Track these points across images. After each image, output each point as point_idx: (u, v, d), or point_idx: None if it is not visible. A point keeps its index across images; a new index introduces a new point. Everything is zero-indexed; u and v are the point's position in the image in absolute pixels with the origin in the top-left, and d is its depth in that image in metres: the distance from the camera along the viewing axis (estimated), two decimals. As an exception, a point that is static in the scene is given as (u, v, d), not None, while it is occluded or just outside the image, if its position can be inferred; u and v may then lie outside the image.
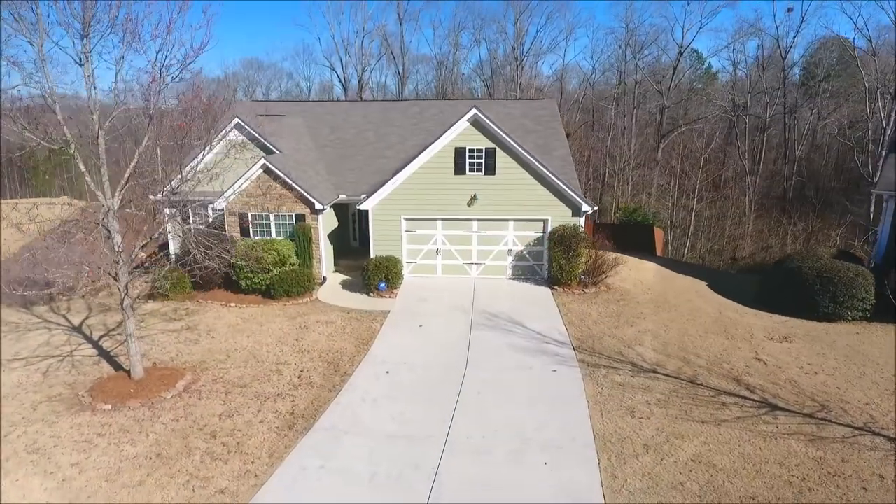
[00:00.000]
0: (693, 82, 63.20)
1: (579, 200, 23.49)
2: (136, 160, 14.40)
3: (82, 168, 14.14)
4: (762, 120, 54.53)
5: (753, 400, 14.66)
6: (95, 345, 18.67)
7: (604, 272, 23.36)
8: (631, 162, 52.90)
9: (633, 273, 25.81)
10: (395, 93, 64.17)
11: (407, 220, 24.06)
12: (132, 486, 11.31)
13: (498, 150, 23.31)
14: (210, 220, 25.25)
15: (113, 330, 19.86)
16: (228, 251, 22.61)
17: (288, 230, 24.37)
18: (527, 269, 24.44)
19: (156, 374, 15.95)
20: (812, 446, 12.56)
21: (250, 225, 24.44)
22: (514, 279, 24.30)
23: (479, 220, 23.98)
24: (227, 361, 17.06)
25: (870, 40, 51.05)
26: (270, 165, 23.33)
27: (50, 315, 22.07)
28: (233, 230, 24.31)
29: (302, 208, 24.16)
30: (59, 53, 13.55)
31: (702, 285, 25.34)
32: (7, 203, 28.14)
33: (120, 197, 14.55)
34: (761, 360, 17.10)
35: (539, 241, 24.09)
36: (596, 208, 25.32)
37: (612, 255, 24.76)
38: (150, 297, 23.53)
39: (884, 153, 47.17)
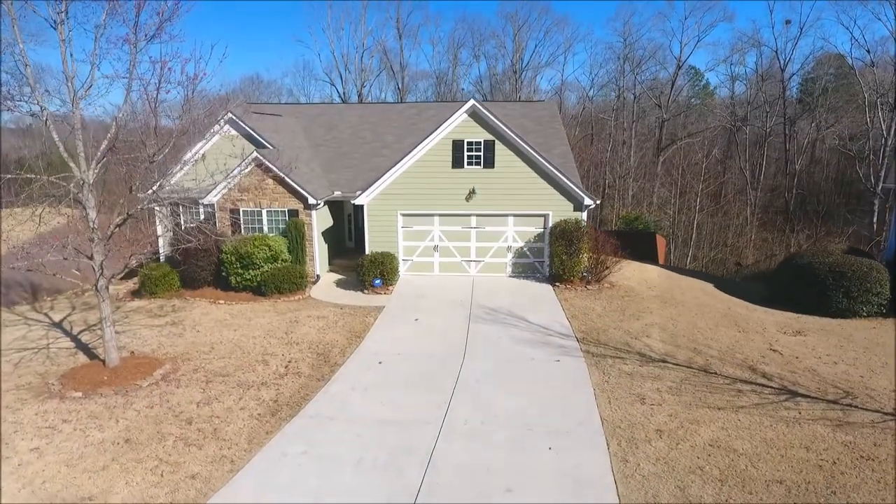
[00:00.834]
0: (691, 98, 62.71)
1: (581, 194, 22.48)
2: (114, 129, 13.45)
3: (55, 137, 13.17)
4: (762, 132, 53.86)
5: (772, 387, 13.50)
6: (74, 338, 17.55)
7: (607, 268, 22.27)
8: (631, 173, 52.08)
9: (637, 273, 24.74)
10: (394, 108, 63.57)
11: (403, 215, 23.04)
12: (94, 471, 10.14)
13: (497, 142, 22.38)
14: (201, 217, 24.24)
15: (94, 325, 18.71)
16: (217, 245, 21.72)
17: (281, 227, 23.35)
18: (527, 266, 23.35)
19: (132, 362, 14.80)
20: (840, 431, 11.39)
21: (241, 221, 23.44)
22: (514, 276, 23.20)
23: (477, 215, 22.96)
24: (210, 353, 15.93)
25: (867, 51, 50.63)
26: (263, 159, 22.41)
27: (31, 313, 20.95)
28: (224, 227, 23.32)
29: (295, 203, 23.18)
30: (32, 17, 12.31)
31: (708, 285, 24.27)
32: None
33: (95, 172, 13.59)
34: (776, 351, 15.97)
35: (540, 237, 23.04)
36: (598, 201, 24.33)
37: (615, 258, 23.74)
38: (136, 294, 22.46)
39: (886, 159, 46.48)
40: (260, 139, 24.65)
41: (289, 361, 15.18)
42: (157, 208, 24.53)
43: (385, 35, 62.84)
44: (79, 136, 13.11)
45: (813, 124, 54.26)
